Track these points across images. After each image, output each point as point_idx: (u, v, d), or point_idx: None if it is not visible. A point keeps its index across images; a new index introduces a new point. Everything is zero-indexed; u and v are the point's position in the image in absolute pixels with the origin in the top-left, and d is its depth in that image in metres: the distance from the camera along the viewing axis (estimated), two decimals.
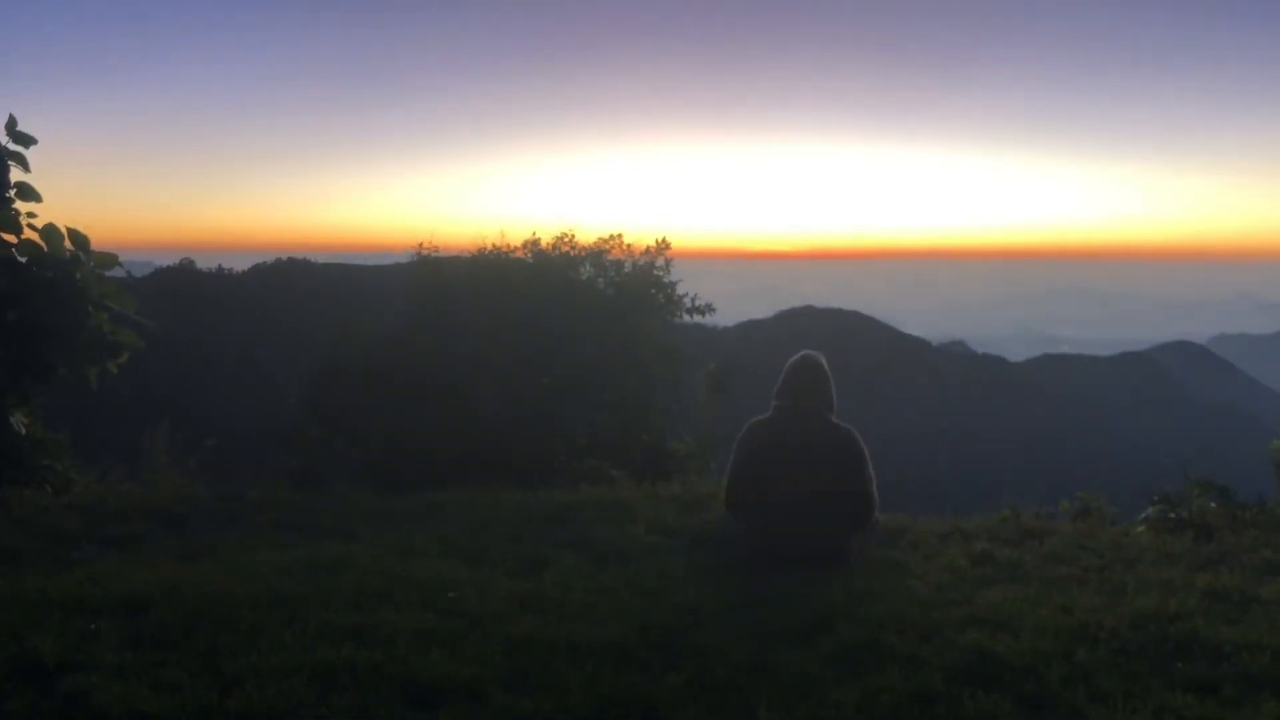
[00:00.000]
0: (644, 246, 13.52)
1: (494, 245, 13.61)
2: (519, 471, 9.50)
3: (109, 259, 6.73)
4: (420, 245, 13.97)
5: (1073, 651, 3.78)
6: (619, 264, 13.56)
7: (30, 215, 6.64)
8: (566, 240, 13.59)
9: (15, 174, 6.62)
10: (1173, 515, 6.10)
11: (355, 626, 3.98)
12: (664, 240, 13.57)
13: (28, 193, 6.62)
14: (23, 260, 6.61)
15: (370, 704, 3.31)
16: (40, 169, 6.58)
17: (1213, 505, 6.22)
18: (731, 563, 5.21)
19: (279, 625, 3.98)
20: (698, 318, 13.58)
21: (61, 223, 6.62)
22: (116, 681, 3.40)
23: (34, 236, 6.61)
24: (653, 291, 13.21)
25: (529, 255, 13.65)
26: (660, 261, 13.43)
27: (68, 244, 6.60)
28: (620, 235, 13.71)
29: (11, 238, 6.61)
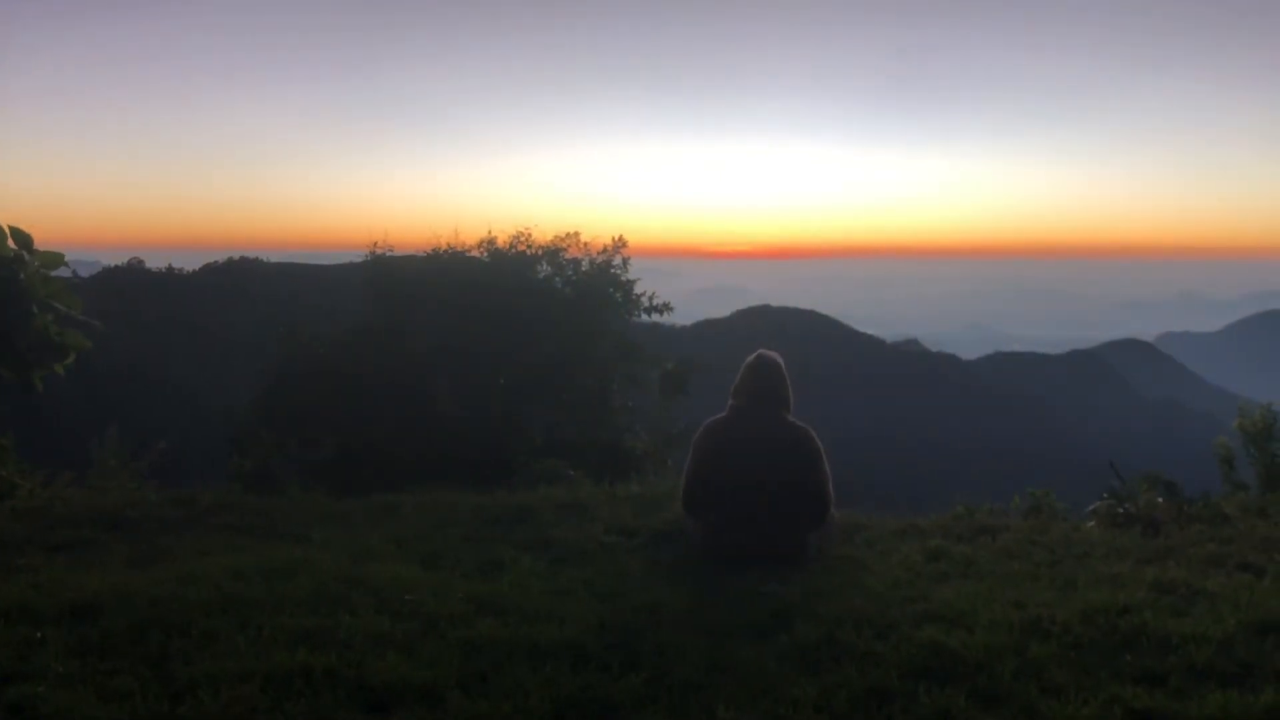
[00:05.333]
0: (601, 245, 13.51)
1: (449, 244, 13.52)
2: (476, 472, 9.46)
3: (54, 258, 6.59)
4: (374, 244, 13.85)
5: (1025, 646, 3.83)
6: (576, 262, 13.53)
7: None
8: (523, 239, 13.54)
9: None
10: (1121, 510, 6.21)
11: (310, 630, 3.94)
12: (621, 238, 13.57)
13: None
14: None
15: (325, 709, 3.28)
16: None
17: (1160, 500, 6.34)
18: (690, 562, 5.22)
19: (232, 630, 3.93)
20: (655, 317, 13.61)
21: (4, 221, 6.48)
22: (63, 690, 3.34)
23: None
24: (610, 290, 13.21)
25: (485, 254, 13.59)
26: (618, 260, 13.42)
27: (10, 243, 6.45)
28: (578, 233, 13.70)
29: None
